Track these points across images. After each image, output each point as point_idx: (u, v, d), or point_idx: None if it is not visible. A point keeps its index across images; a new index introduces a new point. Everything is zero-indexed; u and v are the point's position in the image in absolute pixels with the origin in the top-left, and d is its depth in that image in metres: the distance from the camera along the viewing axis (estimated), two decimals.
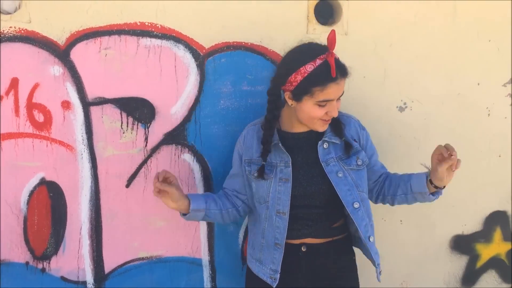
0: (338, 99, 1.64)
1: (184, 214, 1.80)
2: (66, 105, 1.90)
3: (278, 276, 1.72)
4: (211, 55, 1.95)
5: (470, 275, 2.32)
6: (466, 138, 2.18)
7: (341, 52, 1.98)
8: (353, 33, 2.02)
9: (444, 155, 1.63)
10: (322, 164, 1.69)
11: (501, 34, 2.11)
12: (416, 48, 2.07)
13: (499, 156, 2.22)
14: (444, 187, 1.72)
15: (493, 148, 2.21)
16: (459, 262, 2.31)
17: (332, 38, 1.56)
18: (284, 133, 1.74)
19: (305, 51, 1.62)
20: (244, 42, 1.97)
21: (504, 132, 2.20)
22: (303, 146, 1.73)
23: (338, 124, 1.75)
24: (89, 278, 2.03)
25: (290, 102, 1.65)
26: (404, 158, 2.16)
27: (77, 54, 1.88)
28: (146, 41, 1.91)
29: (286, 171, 1.69)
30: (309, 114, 1.62)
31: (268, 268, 1.75)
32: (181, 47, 1.93)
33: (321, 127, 1.67)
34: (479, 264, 2.32)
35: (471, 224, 2.28)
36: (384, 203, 1.91)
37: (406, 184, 1.78)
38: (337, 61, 1.58)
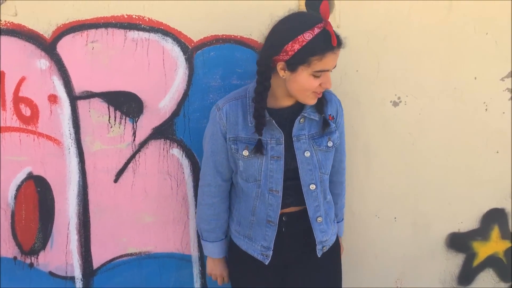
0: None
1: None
2: (53, 99, 1.90)
3: (270, 253, 1.73)
4: (200, 48, 1.93)
5: (467, 274, 2.28)
6: (463, 133, 2.14)
7: None
8: (346, 26, 1.97)
9: None
10: (293, 139, 1.68)
11: (499, 27, 2.05)
12: (411, 42, 2.02)
13: (497, 153, 2.17)
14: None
15: (491, 144, 2.16)
16: (456, 261, 2.27)
17: (325, 8, 1.54)
18: (268, 110, 1.66)
19: (301, 20, 1.57)
20: (233, 35, 1.94)
21: (502, 127, 2.15)
22: (286, 121, 1.69)
23: (320, 100, 1.70)
24: (78, 273, 2.04)
25: (282, 73, 1.59)
26: (398, 154, 2.13)
27: (64, 48, 1.87)
28: (133, 34, 1.89)
29: (278, 149, 1.67)
30: (304, 86, 1.58)
31: (259, 245, 1.74)
32: (169, 40, 1.91)
33: (312, 100, 1.62)
34: (476, 262, 2.27)
35: (468, 222, 2.24)
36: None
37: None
38: (334, 31, 1.56)
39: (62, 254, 2.01)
